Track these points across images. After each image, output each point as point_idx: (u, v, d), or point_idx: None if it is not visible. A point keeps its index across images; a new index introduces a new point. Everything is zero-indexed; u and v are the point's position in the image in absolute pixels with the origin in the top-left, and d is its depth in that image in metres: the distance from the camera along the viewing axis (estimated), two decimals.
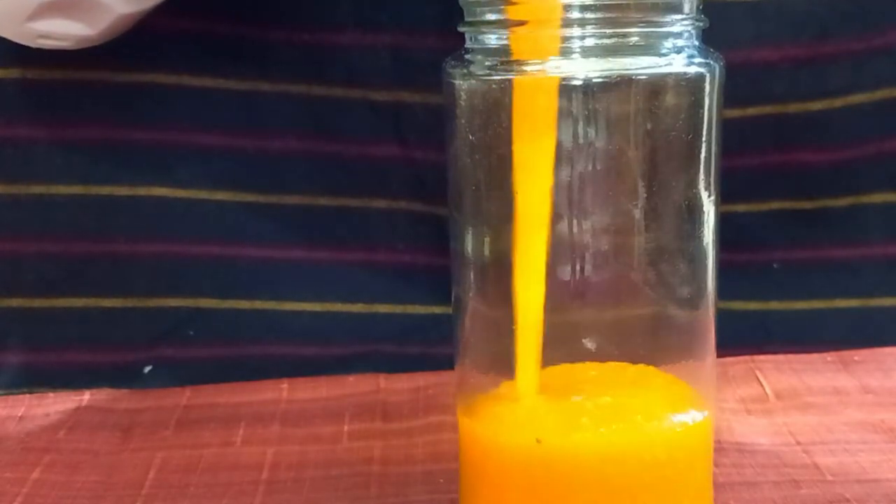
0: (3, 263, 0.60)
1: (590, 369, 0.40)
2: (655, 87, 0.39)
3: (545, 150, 0.38)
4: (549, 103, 0.38)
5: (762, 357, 0.59)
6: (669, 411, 0.40)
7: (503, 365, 0.40)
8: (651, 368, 0.40)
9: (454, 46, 0.41)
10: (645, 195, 0.39)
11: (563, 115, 0.38)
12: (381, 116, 0.59)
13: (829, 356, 0.59)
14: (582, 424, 0.39)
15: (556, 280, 0.39)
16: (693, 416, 0.40)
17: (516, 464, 0.39)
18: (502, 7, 0.38)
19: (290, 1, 0.58)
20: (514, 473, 0.39)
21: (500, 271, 0.40)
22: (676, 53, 0.39)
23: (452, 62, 0.40)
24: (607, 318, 0.41)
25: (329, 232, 0.61)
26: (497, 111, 0.39)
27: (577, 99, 0.38)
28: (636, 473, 0.39)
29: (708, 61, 0.39)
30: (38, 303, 0.60)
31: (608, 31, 0.38)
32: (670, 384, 0.40)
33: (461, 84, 0.39)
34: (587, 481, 0.38)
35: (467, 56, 0.40)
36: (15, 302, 0.60)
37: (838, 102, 0.59)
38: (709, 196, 0.40)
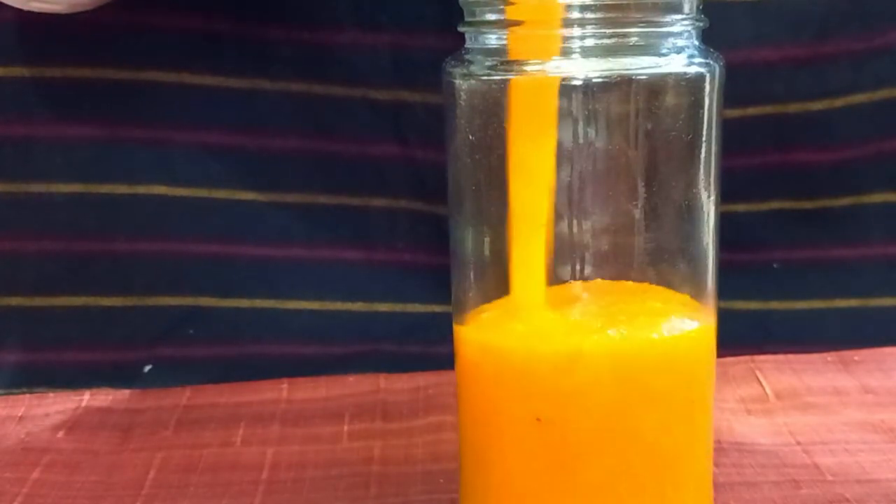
0: (3, 262, 0.60)
1: (591, 285, 0.40)
2: (655, 87, 0.39)
3: (546, 151, 0.38)
4: (550, 104, 0.38)
5: (762, 357, 0.59)
6: (673, 317, 0.40)
7: None
8: (652, 286, 0.40)
9: (454, 46, 0.40)
10: (645, 195, 0.39)
11: (563, 115, 0.38)
12: (381, 116, 0.59)
13: (829, 356, 0.59)
14: (586, 329, 0.39)
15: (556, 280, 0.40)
16: (696, 322, 0.40)
17: (518, 370, 0.39)
18: (502, 7, 0.38)
19: (290, 0, 0.58)
20: (514, 379, 0.39)
21: (499, 271, 0.40)
22: (676, 53, 0.39)
23: (452, 62, 0.40)
24: None
25: (329, 231, 0.61)
26: (497, 111, 0.39)
27: (577, 99, 0.38)
28: (640, 377, 0.38)
29: (708, 61, 0.39)
30: (37, 302, 0.60)
31: (608, 31, 0.38)
32: (673, 296, 0.40)
33: (461, 84, 0.39)
34: (590, 385, 0.38)
35: (467, 56, 0.40)
36: (14, 301, 0.60)
37: (838, 102, 0.59)
38: (709, 196, 0.40)
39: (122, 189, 0.59)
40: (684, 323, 0.40)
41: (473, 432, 0.40)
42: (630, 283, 0.40)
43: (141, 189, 0.59)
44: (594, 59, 0.38)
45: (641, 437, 0.39)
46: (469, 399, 0.41)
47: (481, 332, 0.40)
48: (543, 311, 0.39)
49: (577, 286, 0.40)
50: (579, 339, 0.38)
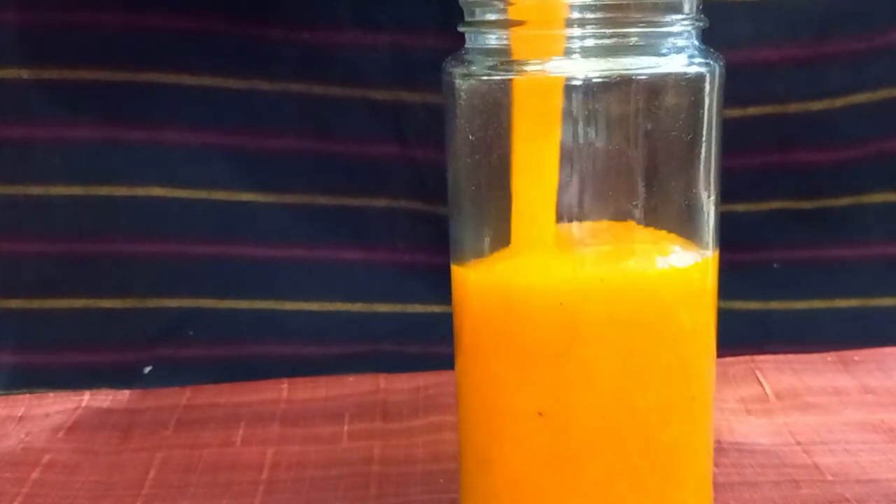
0: (3, 264, 0.60)
1: (592, 225, 0.40)
2: (655, 87, 0.39)
3: (550, 151, 0.38)
4: (555, 104, 0.38)
5: (762, 357, 0.59)
6: (674, 251, 0.39)
7: None
8: (652, 229, 0.40)
9: (454, 46, 0.40)
10: (645, 195, 0.39)
11: (563, 115, 0.38)
12: (381, 116, 0.59)
13: (829, 356, 0.59)
14: (588, 264, 0.39)
15: None
16: (696, 256, 0.40)
17: (520, 306, 0.38)
18: (502, 7, 0.38)
19: (290, 0, 0.58)
20: (517, 315, 0.39)
21: None
22: (676, 53, 0.39)
23: (452, 62, 0.40)
24: None
25: (329, 231, 0.61)
26: (497, 111, 0.39)
27: (577, 99, 0.38)
28: (643, 310, 0.38)
29: (708, 61, 0.39)
30: (37, 303, 0.60)
31: (608, 31, 0.38)
32: (673, 236, 0.40)
33: (461, 84, 0.39)
34: (594, 319, 0.38)
35: (467, 56, 0.40)
36: (14, 303, 0.60)
37: (839, 102, 0.59)
38: (709, 196, 0.40)
39: (121, 190, 0.59)
40: (687, 256, 0.39)
41: (475, 424, 0.40)
42: (634, 224, 0.40)
43: (140, 190, 0.59)
44: (594, 59, 0.38)
45: (642, 426, 0.39)
46: (467, 344, 0.40)
47: (484, 275, 0.40)
48: (548, 248, 0.39)
49: (578, 227, 0.40)
50: (584, 270, 0.38)
